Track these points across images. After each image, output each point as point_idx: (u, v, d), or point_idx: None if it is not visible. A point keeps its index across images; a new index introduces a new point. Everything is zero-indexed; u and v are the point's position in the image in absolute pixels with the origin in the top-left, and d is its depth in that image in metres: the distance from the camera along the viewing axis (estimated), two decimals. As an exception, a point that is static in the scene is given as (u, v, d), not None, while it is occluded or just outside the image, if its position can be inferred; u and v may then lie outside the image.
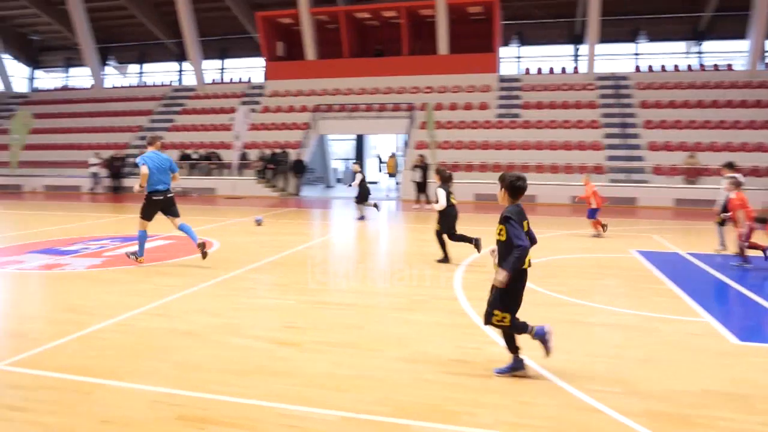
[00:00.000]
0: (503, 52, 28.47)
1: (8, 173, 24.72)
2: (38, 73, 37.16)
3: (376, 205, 14.33)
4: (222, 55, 33.04)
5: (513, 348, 4.26)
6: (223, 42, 32.08)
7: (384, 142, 33.13)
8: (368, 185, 14.44)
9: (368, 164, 31.19)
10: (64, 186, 24.09)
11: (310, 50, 27.30)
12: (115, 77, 34.94)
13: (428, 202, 17.79)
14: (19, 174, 24.63)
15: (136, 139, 26.63)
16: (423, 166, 17.68)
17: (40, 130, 27.76)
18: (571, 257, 9.27)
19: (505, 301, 4.04)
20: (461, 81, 25.89)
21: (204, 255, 7.97)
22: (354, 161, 17.73)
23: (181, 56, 32.68)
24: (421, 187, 17.68)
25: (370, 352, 4.68)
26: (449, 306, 6.17)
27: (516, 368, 4.22)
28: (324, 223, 14.56)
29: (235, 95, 28.32)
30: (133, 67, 35.35)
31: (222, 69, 33.46)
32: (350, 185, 14.44)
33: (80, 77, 35.47)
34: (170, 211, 8.03)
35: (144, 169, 7.74)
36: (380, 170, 25.38)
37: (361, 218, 14.29)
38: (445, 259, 8.52)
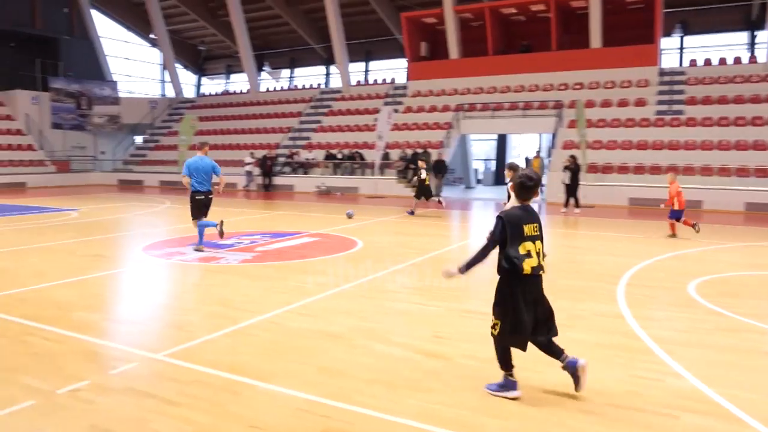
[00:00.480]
0: (664, 42, 25.94)
1: (176, 171, 27.28)
2: (204, 80, 40.82)
3: (440, 201, 15.36)
4: (367, 57, 33.86)
5: (504, 364, 3.79)
6: (367, 44, 32.85)
7: (526, 142, 31.83)
8: (427, 185, 15.16)
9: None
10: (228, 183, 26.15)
11: (453, 49, 26.95)
12: (269, 82, 37.30)
13: (578, 205, 16.61)
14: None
15: (287, 139, 28.11)
16: (574, 168, 16.54)
17: (203, 132, 30.38)
18: (754, 274, 7.94)
19: (499, 307, 3.73)
20: (615, 76, 24.00)
21: (221, 233, 9.15)
22: (421, 158, 17.24)
23: (328, 60, 34.02)
24: (571, 189, 16.55)
25: (528, 374, 4.18)
26: (614, 325, 5.45)
27: (506, 388, 3.76)
28: (464, 225, 14.13)
29: (378, 96, 28.82)
30: (285, 72, 37.52)
31: (366, 71, 34.29)
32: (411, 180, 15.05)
33: (239, 83, 38.35)
34: (206, 209, 9.15)
35: (186, 179, 9.13)
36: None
37: (411, 213, 15.13)
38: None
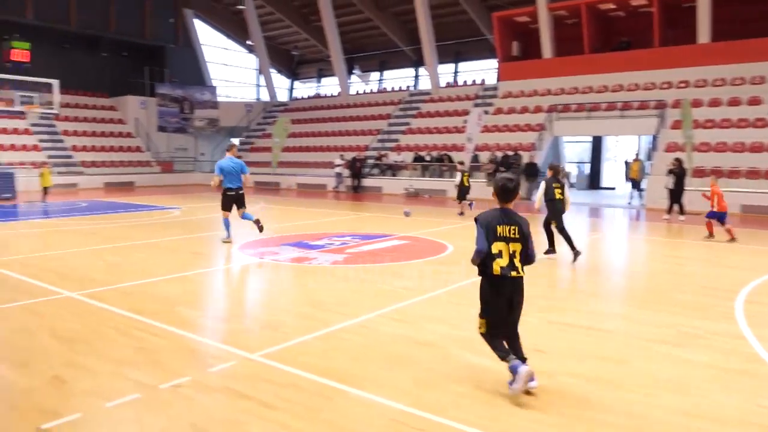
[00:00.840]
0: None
1: (269, 172, 28.25)
2: (296, 84, 42.09)
3: (470, 204, 15.65)
4: (456, 58, 33.51)
5: (500, 355, 3.84)
6: (457, 45, 32.50)
7: (624, 144, 30.21)
8: (467, 185, 15.64)
9: (607, 168, 28.74)
10: (313, 184, 26.68)
11: (546, 48, 26.08)
12: (359, 84, 37.83)
13: (682, 212, 15.47)
14: (278, 173, 28.04)
15: (376, 141, 28.35)
16: (679, 172, 15.41)
17: (295, 134, 31.28)
18: None
19: (483, 308, 3.90)
20: (726, 72, 22.23)
21: (260, 229, 10.34)
22: (459, 161, 17.43)
23: (417, 62, 33.99)
24: (675, 195, 15.43)
25: (640, 398, 3.84)
26: (733, 345, 4.93)
27: (516, 375, 3.69)
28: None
29: (468, 98, 28.42)
30: (374, 75, 37.90)
31: (456, 72, 33.94)
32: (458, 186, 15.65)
33: (330, 86, 39.18)
34: (239, 204, 10.26)
35: (217, 179, 10.20)
36: (626, 176, 23.01)
37: (461, 214, 15.48)
38: (551, 249, 9.02)
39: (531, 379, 3.75)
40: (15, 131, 27.01)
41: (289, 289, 6.86)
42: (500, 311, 3.84)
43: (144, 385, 3.93)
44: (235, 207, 10.25)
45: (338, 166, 25.72)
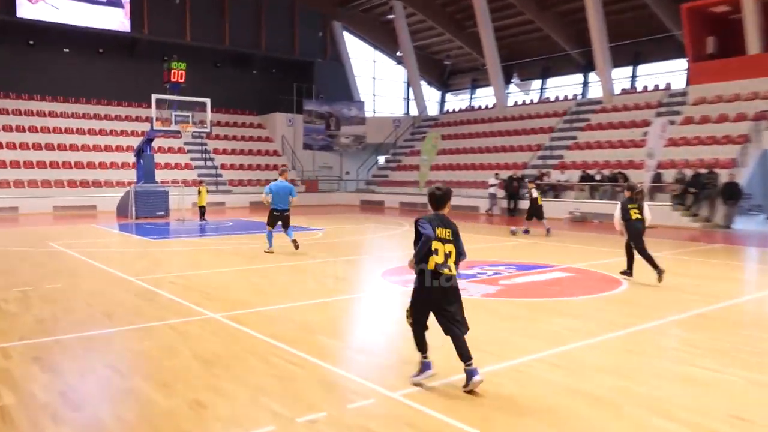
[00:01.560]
0: None
1: (415, 192, 28.81)
2: (447, 96, 42.70)
3: (527, 230, 16.66)
4: (634, 60, 31.81)
5: (418, 346, 4.83)
6: (635, 45, 30.84)
7: None
8: (539, 205, 16.42)
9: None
10: (463, 206, 26.70)
11: (753, 42, 23.77)
12: (517, 95, 37.40)
13: None
14: (424, 193, 28.47)
15: (536, 158, 27.71)
16: None
17: (445, 151, 31.63)
18: None
19: (413, 299, 4.79)
20: None
21: (296, 246, 12.04)
22: (530, 179, 18.13)
23: (586, 66, 32.79)
24: None
25: None
26: None
27: (422, 370, 4.78)
28: (765, 268, 12.12)
29: (648, 106, 26.77)
30: (535, 83, 37.23)
31: (633, 76, 32.20)
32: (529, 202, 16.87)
33: (484, 98, 39.20)
34: (285, 223, 12.18)
35: (267, 198, 12.35)
36: None
37: (548, 231, 16.26)
38: (628, 271, 9.54)
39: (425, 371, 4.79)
40: (170, 150, 30.52)
41: (434, 322, 6.87)
42: (428, 304, 4.73)
43: (280, 416, 4.14)
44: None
45: (492, 186, 25.50)
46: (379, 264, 10.97)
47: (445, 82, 42.17)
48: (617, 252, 13.02)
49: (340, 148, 35.39)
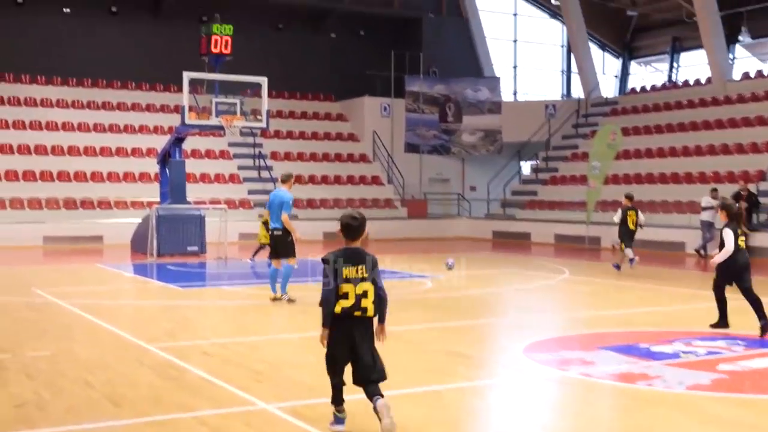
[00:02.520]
0: None
1: (581, 220, 28.04)
2: (632, 66, 41.92)
3: (631, 259, 18.13)
4: None
5: (333, 399, 6.05)
6: None
7: None
8: (633, 229, 18.25)
9: None
10: (657, 242, 25.80)
11: None
12: (747, 61, 36.11)
13: None
14: (595, 220, 27.64)
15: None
16: None
17: (629, 154, 30.96)
18: None
19: (327, 346, 5.97)
20: None
21: (287, 301, 12.95)
22: (626, 196, 19.35)
23: None
24: None
25: None
26: None
27: (334, 422, 6.06)
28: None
29: None
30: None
31: None
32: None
33: (693, 68, 38.17)
34: (279, 251, 13.00)
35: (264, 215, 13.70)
36: None
37: (631, 261, 18.03)
38: (722, 323, 10.70)
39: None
40: (209, 154, 31.58)
41: (610, 430, 6.66)
42: (340, 350, 5.84)
43: None
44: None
45: (707, 209, 24.57)
46: (520, 333, 10.76)
47: (628, 45, 41.47)
48: None
49: (461, 151, 35.35)
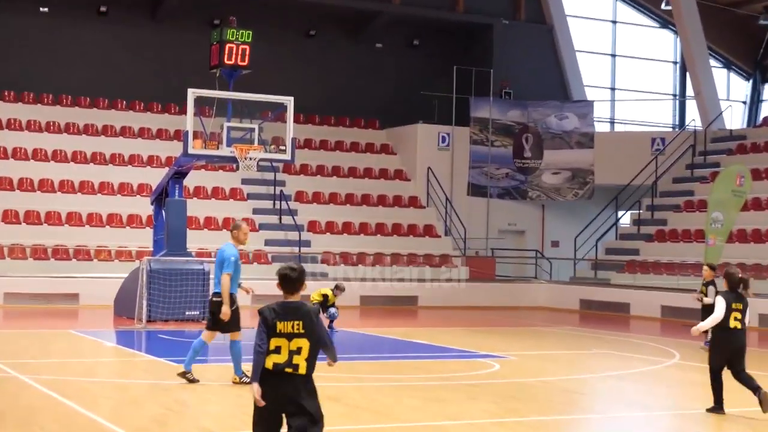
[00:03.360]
0: None
1: (692, 286, 27.62)
2: (766, 91, 41.54)
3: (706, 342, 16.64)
4: None
5: None
6: None
7: None
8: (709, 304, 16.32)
9: None
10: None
11: None
12: None
13: None
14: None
15: None
16: None
17: (758, 204, 30.70)
18: None
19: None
20: None
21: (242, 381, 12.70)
22: (707, 264, 20.01)
23: None
24: None
25: None
26: None
27: None
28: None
29: None
30: None
31: None
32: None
33: None
34: (224, 323, 13.03)
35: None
36: None
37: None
38: (717, 408, 11.10)
39: None
40: (216, 193, 31.71)
41: None
42: (266, 411, 6.27)
43: None
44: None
45: None
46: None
47: (761, 63, 41.31)
48: None
49: (541, 195, 35.23)
